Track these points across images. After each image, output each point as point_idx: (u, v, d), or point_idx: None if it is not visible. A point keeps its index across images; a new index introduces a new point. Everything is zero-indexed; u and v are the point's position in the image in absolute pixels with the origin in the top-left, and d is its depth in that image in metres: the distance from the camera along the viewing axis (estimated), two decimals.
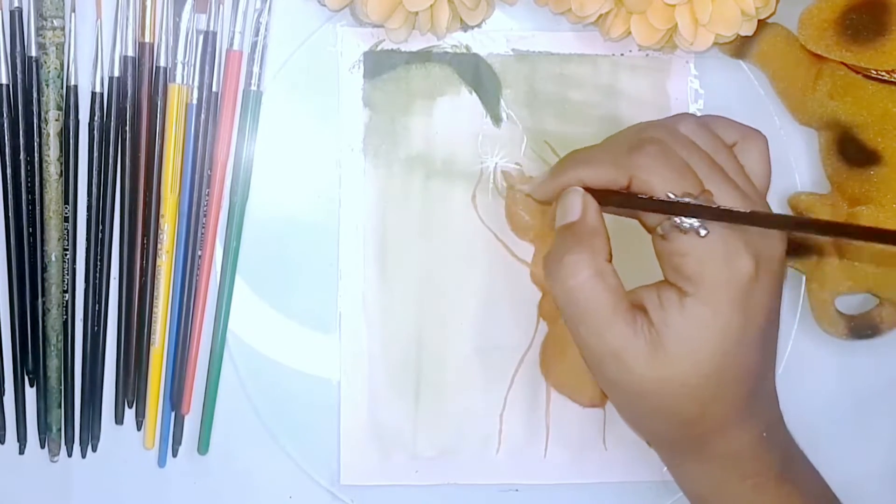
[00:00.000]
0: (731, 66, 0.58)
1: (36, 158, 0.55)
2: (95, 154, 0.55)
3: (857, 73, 0.55)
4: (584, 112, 0.58)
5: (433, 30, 0.56)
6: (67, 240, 0.55)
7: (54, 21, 0.54)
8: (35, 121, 0.55)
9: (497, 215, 0.58)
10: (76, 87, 0.55)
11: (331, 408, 0.57)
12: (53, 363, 0.55)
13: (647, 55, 0.58)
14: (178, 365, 0.56)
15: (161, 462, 0.57)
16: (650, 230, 0.51)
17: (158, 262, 0.56)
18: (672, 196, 0.49)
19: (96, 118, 0.55)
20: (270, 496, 0.57)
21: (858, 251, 0.57)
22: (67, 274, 0.55)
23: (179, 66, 0.56)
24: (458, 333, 0.57)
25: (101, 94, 0.55)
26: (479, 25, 0.57)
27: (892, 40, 0.53)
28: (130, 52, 0.55)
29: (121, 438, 0.57)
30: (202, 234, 0.56)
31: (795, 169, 0.59)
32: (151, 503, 0.57)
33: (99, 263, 0.56)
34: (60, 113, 0.55)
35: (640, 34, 0.55)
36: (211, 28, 0.56)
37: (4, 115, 0.55)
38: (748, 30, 0.55)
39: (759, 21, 0.55)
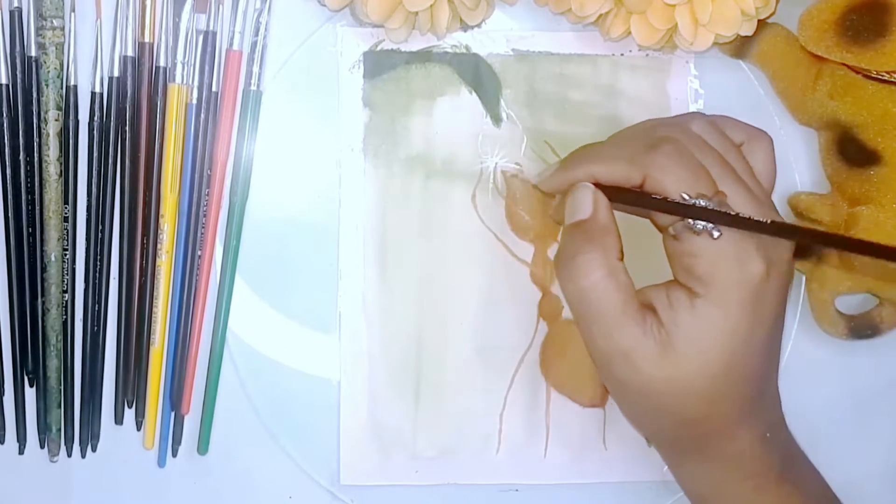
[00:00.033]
0: (731, 66, 0.58)
1: (36, 158, 0.55)
2: (95, 154, 0.55)
3: (858, 73, 0.55)
4: (584, 112, 0.58)
5: (433, 30, 0.56)
6: (67, 240, 0.55)
7: (54, 21, 0.54)
8: (35, 121, 0.55)
9: (497, 215, 0.58)
10: (76, 87, 0.55)
11: (331, 408, 0.57)
12: (53, 363, 0.55)
13: (647, 55, 0.58)
14: (178, 365, 0.56)
15: (161, 462, 0.57)
16: (661, 229, 0.51)
17: (158, 261, 0.56)
18: (686, 197, 0.49)
19: (96, 118, 0.55)
20: (270, 496, 0.57)
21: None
22: (67, 274, 0.55)
23: (179, 66, 0.55)
24: (458, 333, 0.57)
25: (101, 94, 0.55)
26: (479, 25, 0.57)
27: (892, 41, 0.53)
28: (130, 52, 0.55)
29: (121, 438, 0.57)
30: (202, 233, 0.56)
31: (795, 169, 0.59)
32: (151, 503, 0.57)
33: (99, 263, 0.56)
34: (60, 113, 0.55)
35: (640, 34, 0.55)
36: (211, 28, 0.56)
37: (4, 115, 0.54)
38: (748, 30, 0.55)
39: (759, 21, 0.55)
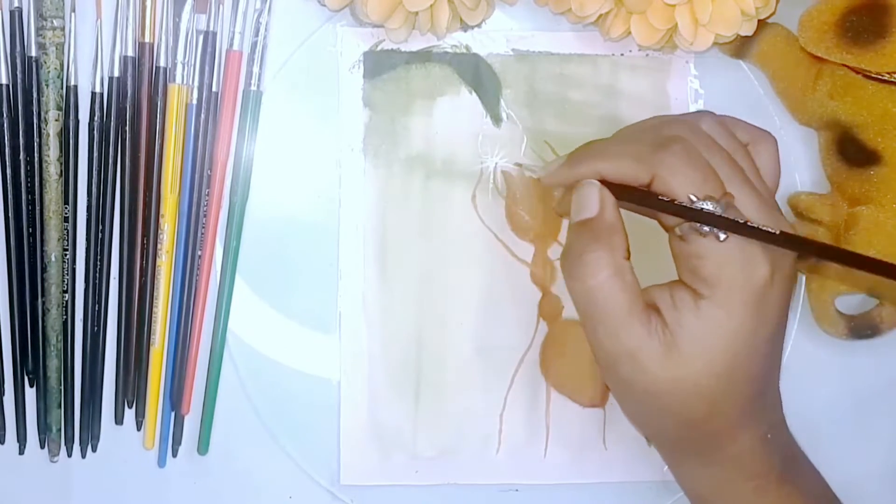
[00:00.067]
0: (731, 66, 0.58)
1: (36, 158, 0.55)
2: (95, 154, 0.55)
3: (857, 73, 0.55)
4: (584, 112, 0.58)
5: (433, 30, 0.56)
6: (67, 240, 0.55)
7: (54, 21, 0.54)
8: (35, 121, 0.55)
9: (497, 215, 0.58)
10: (76, 87, 0.55)
11: (331, 408, 0.57)
12: (53, 363, 0.55)
13: (647, 55, 0.58)
14: (178, 365, 0.56)
15: (161, 462, 0.57)
16: (667, 229, 0.51)
17: (158, 262, 0.56)
18: (693, 198, 0.49)
19: (96, 118, 0.55)
20: (270, 496, 0.57)
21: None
22: (67, 274, 0.55)
23: (179, 66, 0.55)
24: (458, 333, 0.57)
25: (101, 94, 0.55)
26: (479, 25, 0.57)
27: (892, 42, 0.53)
28: (130, 52, 0.55)
29: (121, 438, 0.57)
30: (202, 234, 0.56)
31: (795, 169, 0.59)
32: (151, 503, 0.57)
33: (99, 263, 0.56)
34: (60, 113, 0.55)
35: (640, 34, 0.55)
36: (211, 28, 0.56)
37: (4, 115, 0.54)
38: (748, 30, 0.55)
39: (759, 21, 0.55)
